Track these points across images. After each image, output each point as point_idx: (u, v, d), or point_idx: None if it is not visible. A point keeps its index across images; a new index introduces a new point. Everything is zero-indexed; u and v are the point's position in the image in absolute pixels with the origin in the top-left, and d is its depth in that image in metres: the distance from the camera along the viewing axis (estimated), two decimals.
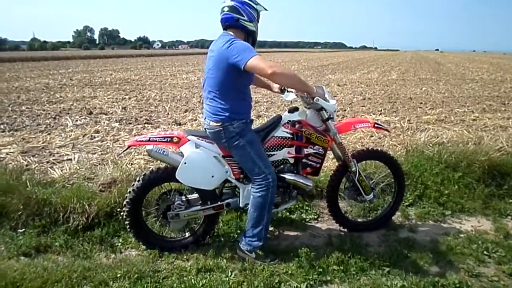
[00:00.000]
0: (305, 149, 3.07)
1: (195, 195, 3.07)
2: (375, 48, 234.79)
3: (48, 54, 41.33)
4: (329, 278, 2.69)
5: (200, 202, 3.03)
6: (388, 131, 3.89)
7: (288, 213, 3.65)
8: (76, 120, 7.38)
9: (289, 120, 3.05)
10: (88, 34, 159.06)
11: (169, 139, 2.88)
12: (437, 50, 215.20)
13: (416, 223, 3.62)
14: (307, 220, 3.61)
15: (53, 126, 6.87)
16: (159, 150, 2.87)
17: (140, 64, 27.84)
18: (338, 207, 3.39)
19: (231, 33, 2.76)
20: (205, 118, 2.91)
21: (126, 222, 2.97)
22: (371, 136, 6.26)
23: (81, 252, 3.01)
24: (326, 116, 3.01)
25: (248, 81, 2.91)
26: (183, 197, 3.06)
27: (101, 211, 3.36)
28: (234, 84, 2.75)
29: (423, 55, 61.21)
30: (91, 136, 6.11)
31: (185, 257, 2.95)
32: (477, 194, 4.02)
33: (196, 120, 7.44)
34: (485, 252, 3.07)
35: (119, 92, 11.89)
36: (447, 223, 3.64)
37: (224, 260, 2.88)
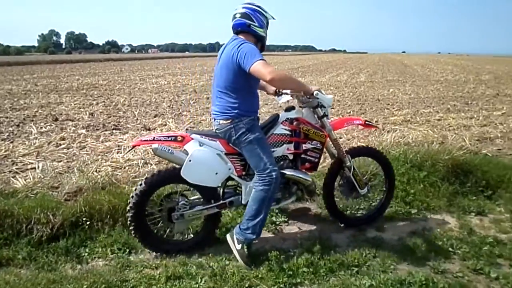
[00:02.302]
0: (303, 145, 3.20)
1: (197, 196, 3.13)
2: (344, 51, 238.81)
3: (12, 59, 39.97)
4: (299, 280, 2.70)
5: (202, 202, 3.09)
6: (377, 127, 4.01)
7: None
8: (41, 127, 7.15)
9: (287, 118, 3.18)
10: (54, 38, 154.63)
11: (173, 138, 2.97)
12: (404, 52, 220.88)
13: (383, 222, 3.68)
14: (278, 223, 3.62)
15: (16, 134, 6.63)
16: (164, 148, 2.94)
17: (109, 69, 27.31)
18: (335, 203, 3.52)
19: (242, 37, 2.92)
20: (215, 119, 3.02)
21: (131, 227, 2.96)
22: (340, 138, 6.34)
23: (45, 264, 2.90)
24: (322, 113, 3.21)
25: (256, 80, 3.00)
26: (187, 198, 3.12)
27: (66, 221, 3.25)
28: (243, 83, 2.90)
29: (390, 57, 62.70)
30: (57, 143, 5.93)
31: (153, 265, 2.89)
32: (442, 192, 4.13)
33: (165, 125, 7.36)
34: (450, 249, 3.16)
35: (86, 97, 11.62)
36: (413, 221, 3.72)
37: (194, 266, 2.84)
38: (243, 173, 3.10)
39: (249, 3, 2.99)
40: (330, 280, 2.72)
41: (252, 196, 2.95)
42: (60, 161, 5.02)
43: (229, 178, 3.10)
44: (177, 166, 2.98)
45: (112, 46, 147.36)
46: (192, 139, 2.97)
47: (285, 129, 3.16)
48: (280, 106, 3.45)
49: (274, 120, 3.21)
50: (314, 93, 3.07)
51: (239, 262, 2.89)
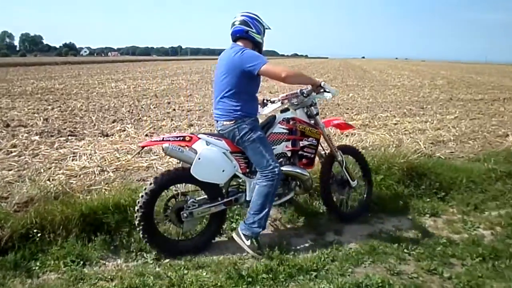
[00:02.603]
0: (300, 142, 3.47)
1: (203, 196, 3.28)
2: (306, 56, 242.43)
3: None
4: (258, 287, 2.69)
5: (208, 201, 3.22)
6: (353, 127, 4.48)
7: None
8: None
9: (284, 118, 3.45)
10: (7, 40, 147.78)
11: (181, 138, 3.13)
12: (363, 57, 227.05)
13: (342, 225, 3.74)
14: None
15: None
16: (174, 147, 3.05)
17: (66, 72, 26.40)
18: (332, 198, 3.74)
19: (240, 44, 3.19)
20: (217, 121, 3.25)
21: (139, 228, 3.01)
22: None
23: None
24: (315, 112, 3.54)
25: (257, 84, 3.31)
26: (195, 197, 3.24)
27: (15, 233, 3.08)
28: (245, 87, 3.15)
29: (350, 63, 64.21)
30: (7, 151, 5.65)
31: (109, 277, 2.79)
32: (398, 195, 4.25)
33: (124, 130, 7.18)
34: (405, 250, 3.23)
35: (41, 102, 11.16)
36: (370, 224, 3.80)
37: (151, 277, 2.76)
38: (247, 170, 3.28)
39: (247, 12, 3.25)
40: (289, 286, 2.73)
41: (256, 191, 3.13)
42: (11, 170, 4.78)
43: (233, 176, 3.26)
44: (185, 166, 3.12)
45: (70, 49, 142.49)
46: (199, 138, 3.13)
47: (283, 128, 3.41)
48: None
49: (271, 121, 3.47)
50: (322, 83, 3.31)
51: (250, 254, 3.09)
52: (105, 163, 4.95)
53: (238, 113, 3.12)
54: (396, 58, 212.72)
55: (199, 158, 3.01)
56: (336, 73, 29.82)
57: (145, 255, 3.11)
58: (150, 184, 3.05)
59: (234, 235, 3.21)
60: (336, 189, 3.80)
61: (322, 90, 3.34)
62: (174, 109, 9.89)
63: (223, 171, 3.11)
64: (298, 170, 3.43)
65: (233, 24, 3.23)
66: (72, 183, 4.16)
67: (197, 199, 3.23)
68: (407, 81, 22.10)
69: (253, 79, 3.13)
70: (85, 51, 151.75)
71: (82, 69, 31.87)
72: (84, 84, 17.45)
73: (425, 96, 14.19)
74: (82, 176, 4.48)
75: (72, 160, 5.12)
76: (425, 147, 6.04)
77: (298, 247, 3.31)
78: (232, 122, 3.13)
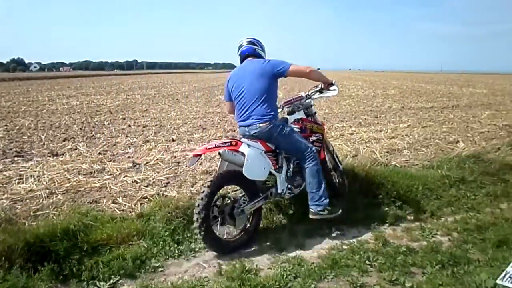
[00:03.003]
0: (310, 138, 3.96)
1: (243, 193, 3.58)
2: None
3: None
4: None
5: (248, 199, 3.54)
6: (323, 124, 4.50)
7: (176, 245, 3.45)
8: None
9: (295, 119, 3.96)
10: None
11: (229, 143, 3.44)
12: (318, 69, 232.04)
13: (304, 239, 3.69)
14: (197, 249, 3.44)
15: None
16: (229, 152, 3.40)
17: (14, 89, 25.12)
18: (333, 180, 4.32)
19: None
20: (250, 125, 3.60)
21: (199, 230, 3.21)
22: None
23: None
24: (314, 111, 4.21)
25: (277, 86, 3.79)
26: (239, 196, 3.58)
27: None
28: (274, 90, 3.70)
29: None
30: None
31: None
32: (357, 205, 4.26)
33: (76, 149, 6.84)
34: (367, 262, 3.21)
35: None
36: (331, 236, 3.77)
37: None
38: (277, 166, 3.70)
39: (250, 36, 3.88)
40: None
41: (309, 173, 3.64)
42: None
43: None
44: (231, 169, 3.56)
45: (18, 64, 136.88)
46: (242, 142, 3.49)
47: (296, 127, 3.89)
48: None
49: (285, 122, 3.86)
50: (333, 81, 3.91)
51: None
52: (54, 185, 4.68)
53: (271, 114, 3.58)
54: (350, 69, 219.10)
55: (247, 160, 3.38)
56: (293, 84, 30.20)
57: (97, 283, 2.91)
58: (208, 187, 3.28)
59: (311, 216, 3.67)
60: (333, 171, 4.43)
61: (331, 87, 3.91)
62: (130, 125, 9.60)
63: (264, 169, 3.54)
64: None
65: (241, 46, 3.83)
66: (17, 208, 3.89)
67: (242, 197, 3.55)
68: (361, 91, 22.71)
69: (277, 82, 3.71)
70: (35, 67, 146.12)
71: (32, 85, 30.50)
72: (34, 101, 16.65)
73: (379, 105, 14.57)
74: (28, 200, 4.21)
75: (18, 183, 4.81)
76: (381, 155, 6.15)
77: (259, 265, 3.21)
78: (267, 123, 3.55)
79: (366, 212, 4.19)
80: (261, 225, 3.79)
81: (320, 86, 3.98)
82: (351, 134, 8.40)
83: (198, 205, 3.20)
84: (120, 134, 8.34)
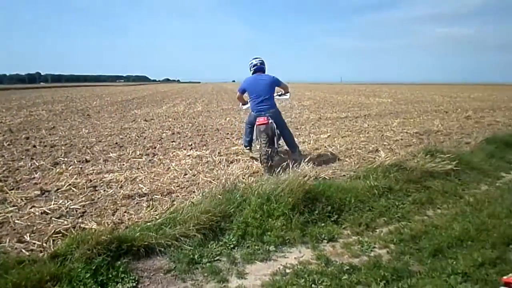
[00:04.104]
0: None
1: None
2: (178, 81, 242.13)
3: None
4: None
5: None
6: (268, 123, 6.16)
7: (100, 287, 2.98)
8: None
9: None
10: None
11: (268, 119, 6.17)
12: (233, 81, 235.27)
13: (244, 266, 3.41)
14: None
15: None
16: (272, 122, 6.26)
17: None
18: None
19: (261, 73, 6.52)
20: (266, 110, 6.24)
21: (267, 164, 5.96)
22: (185, 175, 5.99)
23: None
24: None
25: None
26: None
27: None
28: (273, 92, 6.50)
29: (222, 86, 65.80)
30: None
31: None
32: (294, 223, 4.08)
33: None
34: (312, 285, 3.04)
35: None
36: (272, 259, 3.55)
37: None
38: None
39: (258, 58, 6.59)
40: None
41: (288, 135, 6.73)
42: None
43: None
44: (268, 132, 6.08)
45: None
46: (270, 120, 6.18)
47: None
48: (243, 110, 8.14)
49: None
50: (289, 92, 7.14)
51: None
52: None
53: (275, 105, 6.45)
54: None
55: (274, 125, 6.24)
56: (211, 97, 30.03)
57: None
58: (266, 142, 5.95)
59: (293, 157, 6.52)
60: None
61: (287, 94, 7.06)
62: (35, 146, 8.57)
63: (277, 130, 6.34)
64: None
65: (256, 64, 6.51)
66: None
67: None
68: (277, 103, 23.10)
69: (275, 88, 6.53)
70: None
71: None
72: None
73: (297, 116, 14.83)
74: None
75: None
76: (308, 168, 6.10)
77: None
78: (274, 109, 6.36)
79: (304, 230, 4.04)
80: (195, 255, 3.46)
81: (281, 92, 7.06)
82: None
83: (264, 152, 5.92)
84: (23, 157, 7.40)
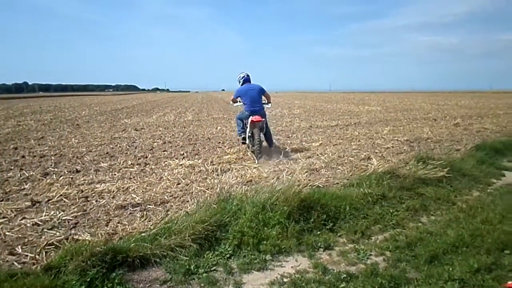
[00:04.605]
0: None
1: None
2: (168, 90, 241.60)
3: None
4: None
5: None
6: (258, 121, 7.94)
7: None
8: None
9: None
10: None
11: (261, 118, 7.98)
12: (223, 90, 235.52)
13: (241, 276, 3.38)
14: None
15: None
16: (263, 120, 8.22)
17: None
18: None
19: (249, 83, 8.48)
20: (258, 110, 8.04)
21: (258, 151, 7.87)
22: (178, 184, 5.95)
23: None
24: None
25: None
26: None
27: None
28: (261, 98, 8.36)
29: (212, 95, 65.75)
30: None
31: None
32: (290, 232, 4.06)
33: None
34: None
35: None
36: (269, 269, 3.52)
37: None
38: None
39: (245, 72, 8.53)
40: None
41: (268, 136, 8.47)
42: None
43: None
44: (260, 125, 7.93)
45: None
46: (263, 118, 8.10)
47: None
48: (234, 106, 9.09)
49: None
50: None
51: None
52: None
53: (263, 108, 8.29)
54: None
55: (264, 121, 8.16)
56: (201, 106, 30.01)
57: None
58: (258, 134, 7.81)
59: (271, 147, 8.56)
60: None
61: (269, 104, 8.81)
62: (23, 156, 8.47)
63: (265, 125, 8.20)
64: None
65: (243, 77, 8.41)
66: None
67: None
68: (268, 111, 23.14)
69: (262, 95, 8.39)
70: None
71: None
72: None
73: (288, 125, 14.90)
74: None
75: None
76: (302, 176, 6.11)
77: None
78: (263, 111, 8.18)
79: (300, 239, 4.02)
80: (191, 266, 3.42)
81: (265, 101, 8.70)
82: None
83: (257, 142, 7.73)
84: (12, 167, 7.29)
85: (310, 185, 5.52)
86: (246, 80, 8.41)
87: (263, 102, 8.50)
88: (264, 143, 8.38)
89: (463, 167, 6.72)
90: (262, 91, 8.27)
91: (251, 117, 7.83)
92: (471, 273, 3.25)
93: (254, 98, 8.11)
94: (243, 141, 8.60)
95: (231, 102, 9.29)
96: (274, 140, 9.01)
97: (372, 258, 3.73)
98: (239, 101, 8.53)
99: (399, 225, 4.50)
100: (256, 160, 7.56)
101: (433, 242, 3.91)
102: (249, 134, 8.09)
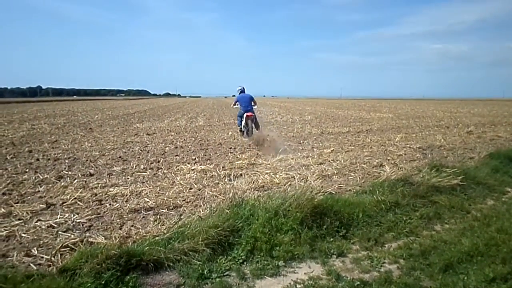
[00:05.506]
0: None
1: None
2: (179, 95, 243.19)
3: None
4: None
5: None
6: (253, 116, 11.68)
7: None
8: None
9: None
10: None
11: (251, 114, 12.11)
12: (234, 96, 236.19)
13: (254, 281, 3.38)
14: None
15: None
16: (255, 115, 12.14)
17: None
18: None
19: (245, 93, 12.39)
20: (250, 109, 11.95)
21: (248, 135, 11.89)
22: (190, 189, 5.98)
23: None
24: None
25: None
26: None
27: None
28: (252, 104, 12.21)
29: (223, 101, 65.96)
30: None
31: None
32: (303, 238, 4.06)
33: None
34: None
35: None
36: (282, 275, 3.52)
37: None
38: (255, 121, 12.12)
39: (241, 85, 12.81)
40: None
41: (257, 124, 12.22)
42: None
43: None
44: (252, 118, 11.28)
45: None
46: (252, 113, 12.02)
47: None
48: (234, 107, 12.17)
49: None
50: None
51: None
52: None
53: (252, 108, 12.13)
54: (264, 96, 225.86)
55: (254, 115, 12.15)
56: (212, 111, 30.11)
57: None
58: (250, 125, 11.88)
59: (256, 136, 11.42)
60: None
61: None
62: (38, 159, 8.58)
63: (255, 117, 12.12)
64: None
65: (240, 89, 12.45)
66: None
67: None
68: (279, 117, 23.20)
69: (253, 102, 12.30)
70: None
71: None
72: None
73: (299, 131, 14.89)
74: None
75: None
76: (314, 182, 6.10)
77: None
78: (252, 108, 12.13)
79: (313, 245, 4.01)
80: (205, 270, 3.43)
81: (254, 104, 12.18)
82: (279, 161, 8.31)
83: (247, 130, 11.84)
84: (27, 170, 7.40)
85: (322, 192, 5.49)
86: (242, 91, 12.39)
87: (252, 105, 12.19)
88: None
89: (477, 175, 6.64)
90: (251, 98, 12.11)
91: (245, 113, 11.81)
92: (486, 283, 3.22)
93: (247, 103, 11.96)
94: (241, 128, 12.27)
95: (232, 105, 12.99)
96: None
97: (386, 265, 3.71)
98: (238, 105, 12.20)
99: (412, 233, 4.47)
100: (247, 139, 11.73)
101: (448, 251, 3.88)
102: (244, 124, 11.93)
